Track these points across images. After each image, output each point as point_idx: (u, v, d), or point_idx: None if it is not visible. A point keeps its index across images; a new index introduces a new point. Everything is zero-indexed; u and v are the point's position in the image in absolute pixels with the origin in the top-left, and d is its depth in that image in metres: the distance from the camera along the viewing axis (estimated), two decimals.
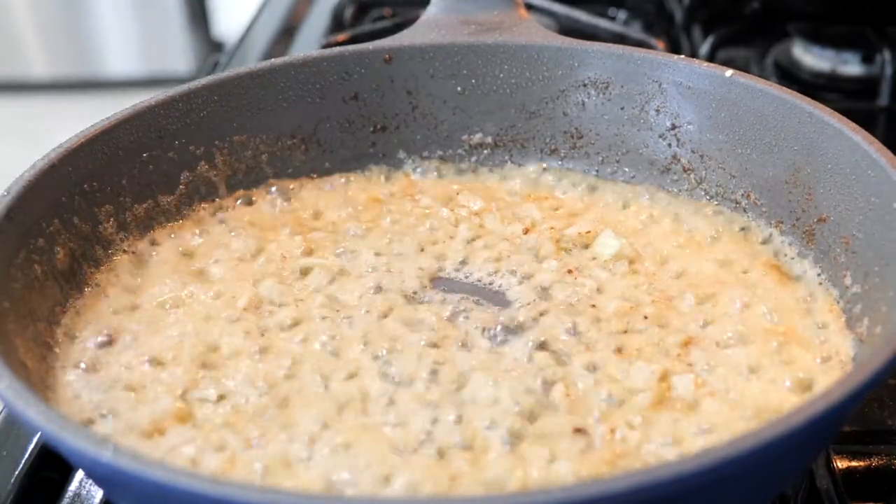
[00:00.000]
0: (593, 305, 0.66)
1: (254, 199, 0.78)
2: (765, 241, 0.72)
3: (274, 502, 0.42)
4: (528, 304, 0.67)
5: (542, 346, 0.62)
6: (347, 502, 0.48)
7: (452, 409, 0.57)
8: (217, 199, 0.77)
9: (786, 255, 0.70)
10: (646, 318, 0.65)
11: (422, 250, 0.73)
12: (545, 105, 0.81)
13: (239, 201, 0.78)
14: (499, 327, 0.64)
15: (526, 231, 0.74)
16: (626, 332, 0.64)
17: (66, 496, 0.65)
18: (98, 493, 0.64)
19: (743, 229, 0.73)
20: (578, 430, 0.55)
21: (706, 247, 0.72)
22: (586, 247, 0.73)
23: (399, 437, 0.55)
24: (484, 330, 0.64)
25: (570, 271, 0.70)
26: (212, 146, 0.77)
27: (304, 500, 0.44)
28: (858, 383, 0.46)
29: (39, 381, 0.58)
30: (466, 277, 0.70)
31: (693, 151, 0.77)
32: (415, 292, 0.68)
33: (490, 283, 0.70)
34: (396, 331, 0.64)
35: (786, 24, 1.17)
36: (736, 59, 1.18)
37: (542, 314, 0.65)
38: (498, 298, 0.68)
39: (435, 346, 0.63)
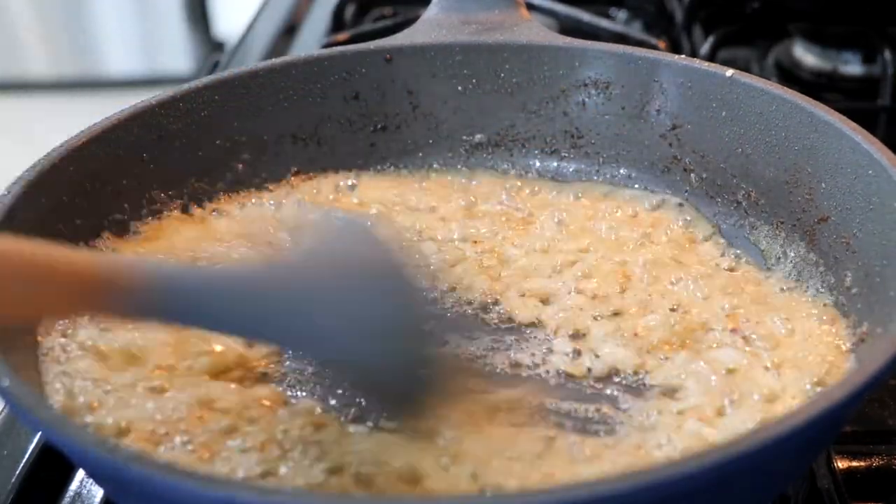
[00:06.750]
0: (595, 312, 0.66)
1: (253, 199, 0.78)
2: (764, 241, 0.72)
3: (274, 502, 0.42)
4: (525, 298, 0.67)
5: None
6: (348, 502, 0.48)
7: None
8: (218, 200, 0.77)
9: (787, 255, 0.70)
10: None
11: (422, 248, 0.73)
12: (546, 105, 0.81)
13: (238, 201, 0.78)
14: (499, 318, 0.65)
15: (525, 227, 0.74)
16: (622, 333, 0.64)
17: (67, 496, 0.64)
18: (99, 493, 0.64)
19: (742, 229, 0.73)
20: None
21: (705, 248, 0.72)
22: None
23: None
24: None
25: (571, 269, 0.70)
26: (212, 146, 0.77)
27: (304, 500, 0.44)
28: (859, 383, 0.46)
29: (41, 381, 0.58)
30: (464, 272, 0.70)
31: (694, 151, 0.77)
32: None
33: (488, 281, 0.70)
34: None
35: (786, 23, 1.16)
36: (737, 59, 1.18)
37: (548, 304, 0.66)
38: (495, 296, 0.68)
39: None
